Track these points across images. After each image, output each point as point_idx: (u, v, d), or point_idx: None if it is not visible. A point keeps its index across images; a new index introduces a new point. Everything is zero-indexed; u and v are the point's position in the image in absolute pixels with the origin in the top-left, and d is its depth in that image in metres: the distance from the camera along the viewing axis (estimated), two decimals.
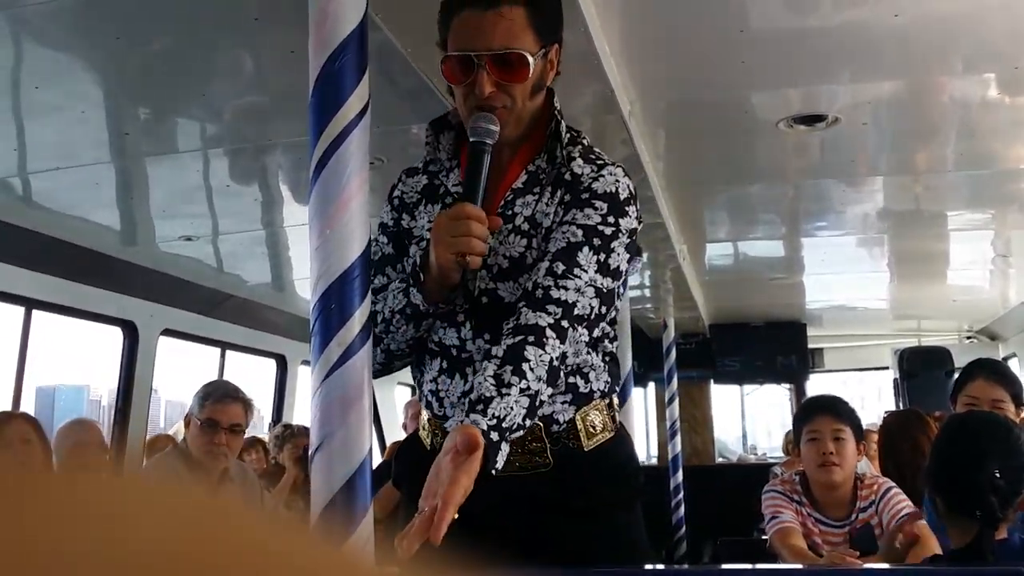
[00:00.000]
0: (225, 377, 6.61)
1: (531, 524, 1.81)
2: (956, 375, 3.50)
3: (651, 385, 9.61)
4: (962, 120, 3.92)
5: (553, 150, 1.88)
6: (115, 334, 5.54)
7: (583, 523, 1.85)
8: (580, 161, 1.89)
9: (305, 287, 6.41)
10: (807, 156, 4.36)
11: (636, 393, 6.15)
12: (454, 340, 1.84)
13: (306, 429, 5.65)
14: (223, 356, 6.72)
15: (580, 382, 1.88)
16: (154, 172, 4.19)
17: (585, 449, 1.87)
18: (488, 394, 1.56)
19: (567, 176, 1.87)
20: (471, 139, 1.77)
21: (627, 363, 5.23)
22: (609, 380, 1.93)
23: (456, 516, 1.46)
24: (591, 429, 1.88)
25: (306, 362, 7.51)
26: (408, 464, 2.00)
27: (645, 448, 9.96)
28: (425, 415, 1.94)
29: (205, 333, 6.38)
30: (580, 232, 1.77)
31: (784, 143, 4.13)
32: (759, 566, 2.19)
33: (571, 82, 3.17)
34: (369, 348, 1.49)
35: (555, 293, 1.68)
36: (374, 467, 1.54)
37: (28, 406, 4.79)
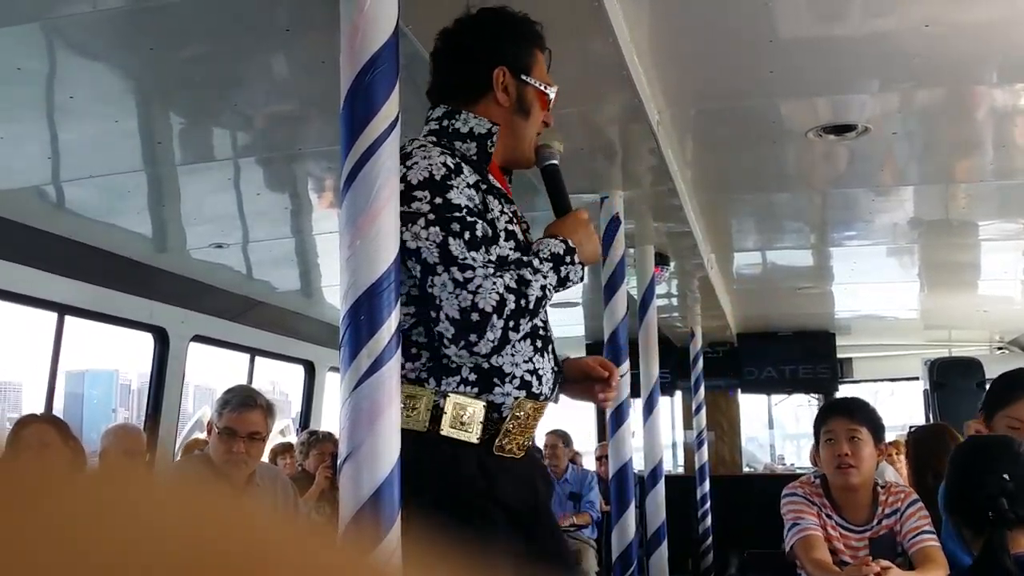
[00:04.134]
0: (256, 380, 6.66)
1: (545, 497, 2.11)
2: (988, 388, 3.40)
3: (678, 394, 9.57)
4: (994, 130, 3.89)
5: None
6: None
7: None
8: None
9: (333, 294, 6.48)
10: (836, 165, 4.34)
11: (663, 402, 6.13)
12: (539, 320, 1.99)
13: (332, 435, 5.69)
14: (252, 362, 6.77)
15: None
16: (186, 180, 4.23)
17: None
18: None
19: None
20: (552, 162, 2.10)
21: (654, 371, 5.22)
22: None
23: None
24: None
25: (334, 368, 7.56)
26: (484, 474, 1.90)
27: (671, 457, 9.92)
28: (507, 400, 1.91)
29: (235, 339, 6.43)
30: None
31: (813, 152, 4.12)
32: None
33: (600, 91, 3.18)
34: (398, 358, 1.50)
35: None
36: None
37: (58, 390, 4.86)
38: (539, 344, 1.97)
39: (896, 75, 3.38)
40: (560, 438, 7.24)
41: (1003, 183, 4.59)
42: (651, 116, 3.41)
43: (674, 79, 3.39)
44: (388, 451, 1.45)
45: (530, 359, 1.94)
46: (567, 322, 8.32)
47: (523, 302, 1.86)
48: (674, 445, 10.04)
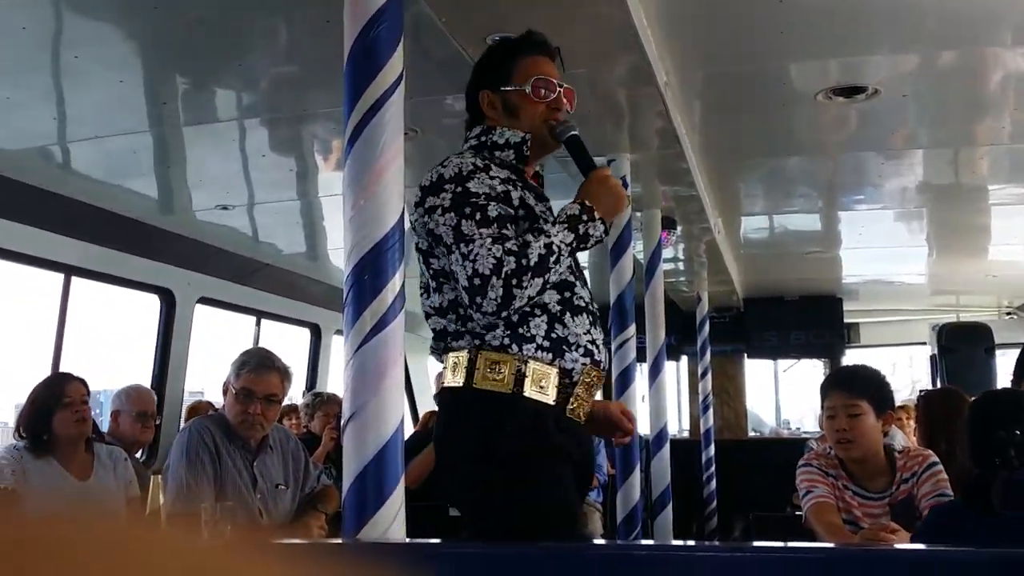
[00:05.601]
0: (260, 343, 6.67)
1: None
2: (1017, 357, 3.41)
3: (684, 358, 9.58)
4: (1005, 93, 3.84)
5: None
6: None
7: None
8: None
9: (339, 257, 6.50)
10: (845, 128, 4.30)
11: (669, 366, 6.12)
12: (588, 298, 2.27)
13: (337, 397, 5.71)
14: (258, 324, 6.77)
15: None
16: (191, 141, 4.21)
17: None
18: None
19: None
20: (572, 133, 2.30)
21: (660, 336, 5.21)
22: None
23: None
24: None
25: (340, 331, 7.54)
26: (564, 435, 2.18)
27: (677, 421, 9.95)
28: (575, 367, 2.17)
29: (241, 301, 6.43)
30: None
31: (822, 115, 4.08)
32: (791, 544, 2.19)
33: (607, 53, 3.15)
34: (402, 319, 1.50)
35: None
36: (406, 437, 1.55)
37: None
38: (592, 319, 2.23)
39: (907, 36, 3.34)
40: None
41: (1014, 147, 4.55)
42: (659, 78, 3.38)
43: (682, 41, 3.35)
44: (392, 411, 1.45)
45: (588, 331, 2.20)
46: None
47: (524, 261, 2.04)
48: (680, 409, 10.05)
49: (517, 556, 1.29)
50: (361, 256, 1.48)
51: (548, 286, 2.13)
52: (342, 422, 1.49)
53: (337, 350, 7.53)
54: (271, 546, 0.31)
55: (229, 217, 5.32)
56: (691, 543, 1.81)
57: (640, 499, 4.43)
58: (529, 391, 2.10)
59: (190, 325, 5.77)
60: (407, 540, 1.48)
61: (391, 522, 1.42)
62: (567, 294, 2.20)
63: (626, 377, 4.30)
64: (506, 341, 2.12)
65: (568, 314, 2.18)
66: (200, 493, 3.23)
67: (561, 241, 2.14)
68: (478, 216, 2.10)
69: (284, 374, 3.58)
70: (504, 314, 2.07)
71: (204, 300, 5.92)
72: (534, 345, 2.12)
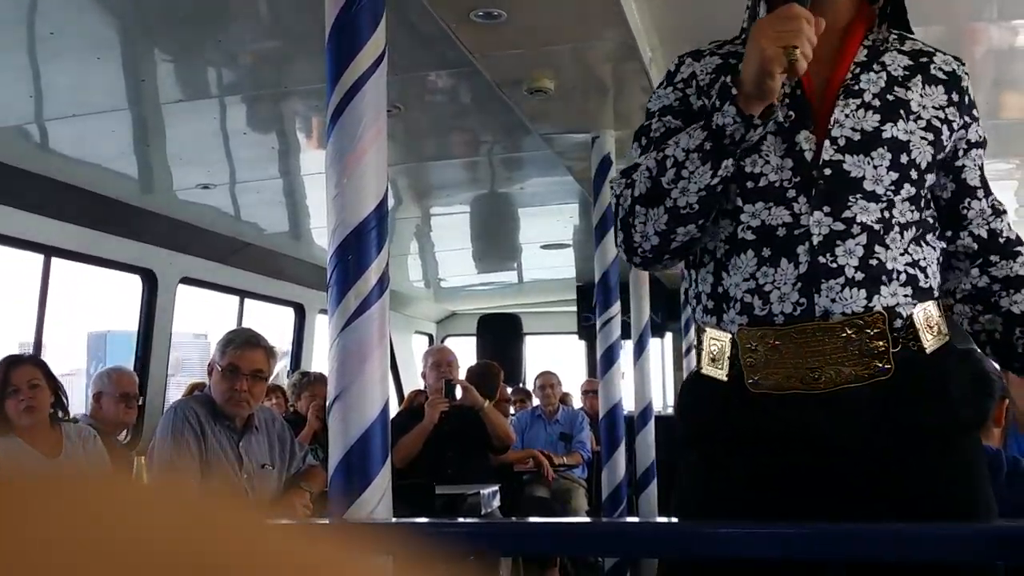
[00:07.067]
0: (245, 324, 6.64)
1: (871, 445, 1.54)
2: None
3: (668, 335, 9.60)
4: (987, 67, 3.84)
5: (902, 17, 1.74)
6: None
7: (931, 445, 1.57)
8: (919, 44, 1.76)
9: (322, 236, 6.48)
10: None
11: (653, 343, 6.15)
12: (783, 218, 1.56)
13: (324, 377, 5.69)
14: (241, 304, 6.74)
15: (920, 275, 1.60)
16: (171, 119, 4.16)
17: (927, 351, 1.58)
18: None
19: (923, 60, 1.73)
20: None
21: (644, 313, 5.22)
22: (939, 281, 1.67)
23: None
24: (931, 327, 1.59)
25: (324, 311, 7.52)
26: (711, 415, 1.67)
27: (662, 398, 9.99)
28: (733, 330, 1.58)
29: (224, 281, 6.40)
30: (982, 153, 1.81)
31: None
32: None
33: (591, 28, 3.13)
34: (387, 299, 1.48)
35: (1008, 233, 1.77)
36: (392, 417, 1.54)
37: (80, 351, 4.90)
38: (769, 252, 1.55)
39: None
40: (553, 377, 7.27)
41: (997, 122, 4.56)
42: (644, 54, 3.36)
43: (668, 16, 3.33)
44: (377, 392, 1.44)
45: (751, 275, 1.56)
46: (557, 264, 8.30)
47: (633, 191, 1.59)
48: (664, 386, 10.09)
49: (503, 534, 1.28)
50: (345, 236, 1.46)
51: (688, 213, 1.55)
52: (327, 403, 1.48)
53: (321, 329, 7.51)
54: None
55: (210, 196, 5.28)
56: (675, 520, 1.80)
57: (625, 476, 4.45)
58: (705, 367, 1.63)
59: (173, 305, 5.73)
60: (393, 520, 1.48)
61: (377, 503, 1.42)
62: (735, 224, 1.59)
63: (610, 354, 4.31)
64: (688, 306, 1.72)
65: (734, 255, 1.58)
66: (184, 472, 3.23)
67: (685, 147, 1.54)
68: (643, 142, 1.68)
69: (269, 352, 3.60)
70: (638, 261, 1.64)
71: (186, 280, 5.88)
72: (701, 307, 1.65)
